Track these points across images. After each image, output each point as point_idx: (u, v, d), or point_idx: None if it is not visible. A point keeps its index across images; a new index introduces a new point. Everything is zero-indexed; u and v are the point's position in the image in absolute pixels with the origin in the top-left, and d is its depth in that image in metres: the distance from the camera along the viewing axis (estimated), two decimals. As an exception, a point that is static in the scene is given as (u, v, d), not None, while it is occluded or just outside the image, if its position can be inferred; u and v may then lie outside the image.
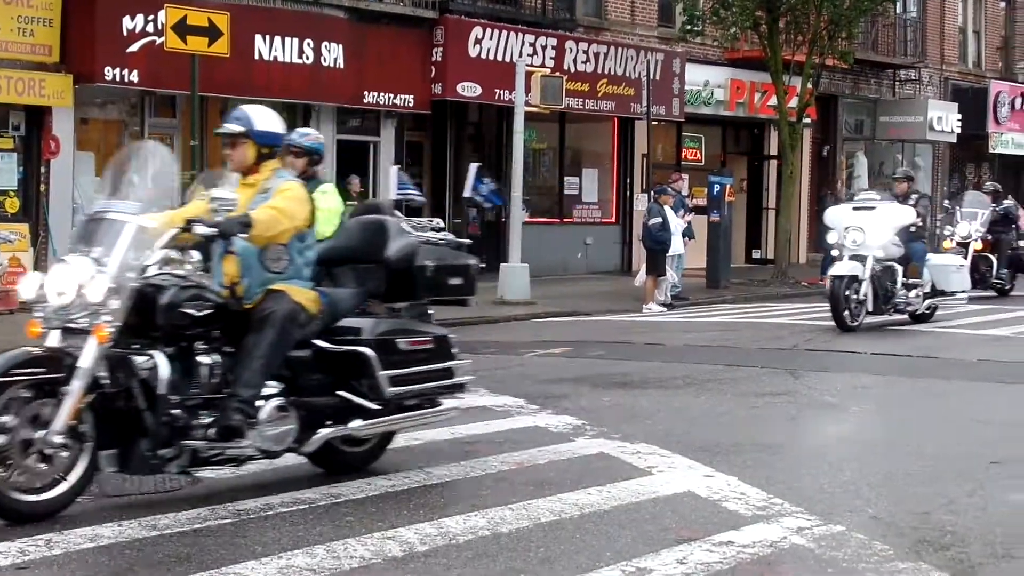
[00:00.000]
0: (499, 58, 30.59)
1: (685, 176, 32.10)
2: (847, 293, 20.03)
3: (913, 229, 21.51)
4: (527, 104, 27.41)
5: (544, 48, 31.85)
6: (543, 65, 30.42)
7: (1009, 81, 50.37)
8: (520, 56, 29.85)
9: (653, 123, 32.71)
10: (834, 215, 21.92)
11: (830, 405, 13.38)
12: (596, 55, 33.40)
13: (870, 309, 20.43)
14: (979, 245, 27.41)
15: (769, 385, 14.61)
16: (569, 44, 32.74)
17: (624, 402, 13.55)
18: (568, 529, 8.09)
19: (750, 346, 18.94)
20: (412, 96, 29.62)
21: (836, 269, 20.24)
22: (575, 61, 32.76)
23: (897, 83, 45.89)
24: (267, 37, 26.77)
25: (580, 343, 19.56)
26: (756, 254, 40.06)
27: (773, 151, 39.85)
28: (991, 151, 49.55)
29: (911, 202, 22.26)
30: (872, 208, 21.18)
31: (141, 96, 25.84)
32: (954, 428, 12.06)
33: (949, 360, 17.08)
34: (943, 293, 22.55)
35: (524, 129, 27.72)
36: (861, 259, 20.28)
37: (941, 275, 22.56)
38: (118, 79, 24.48)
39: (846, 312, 20.06)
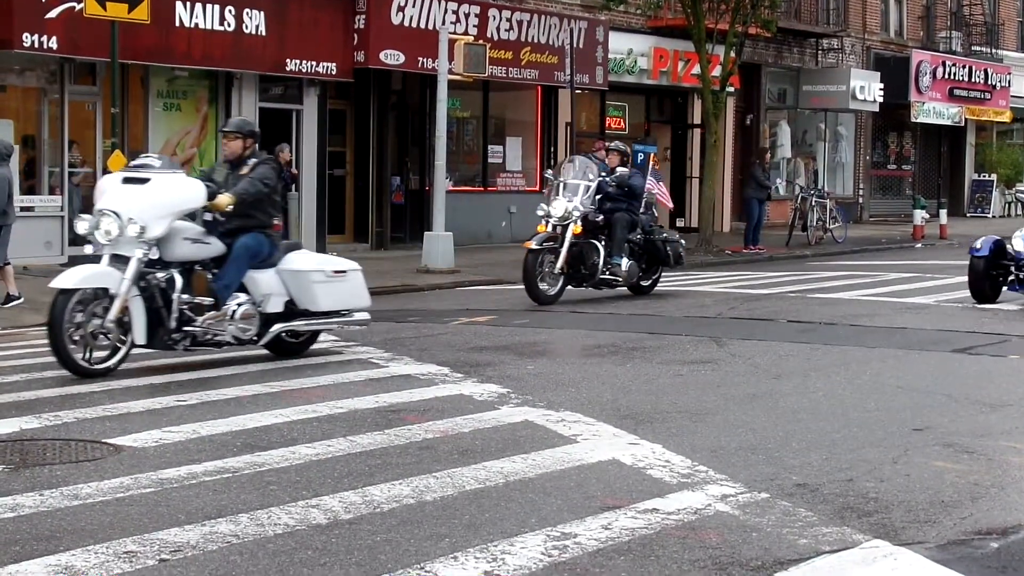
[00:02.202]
0: (422, 26, 30.48)
1: (609, 144, 32.14)
2: None
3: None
4: (450, 72, 27.32)
5: (467, 16, 31.75)
6: (466, 33, 30.33)
7: (930, 51, 50.78)
8: (443, 24, 29.77)
9: (577, 92, 32.69)
10: (100, 186, 14.16)
11: (754, 373, 13.42)
12: (519, 23, 33.34)
13: None
14: (579, 227, 20.19)
15: (694, 353, 14.65)
16: (492, 12, 32.66)
17: (549, 370, 13.55)
18: (493, 497, 8.07)
19: (675, 314, 19.01)
20: (334, 64, 29.45)
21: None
22: (498, 29, 32.69)
23: (820, 52, 46.13)
24: (188, 3, 26.51)
25: (505, 312, 19.56)
26: (680, 223, 40.17)
27: (697, 120, 39.97)
28: (913, 120, 49.97)
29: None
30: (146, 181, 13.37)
31: (60, 63, 25.53)
32: (877, 395, 12.12)
33: (872, 328, 17.19)
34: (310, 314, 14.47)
35: (448, 97, 27.64)
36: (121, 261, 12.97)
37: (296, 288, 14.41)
38: (36, 46, 24.17)
39: None
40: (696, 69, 34.99)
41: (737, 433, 10.16)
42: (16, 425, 10.34)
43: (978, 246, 20.11)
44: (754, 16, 34.54)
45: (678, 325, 17.60)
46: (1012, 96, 54.14)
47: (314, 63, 28.99)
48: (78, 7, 22.79)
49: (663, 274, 22.51)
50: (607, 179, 20.90)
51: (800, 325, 17.51)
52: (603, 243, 20.52)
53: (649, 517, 7.56)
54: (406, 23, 30.39)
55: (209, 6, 26.91)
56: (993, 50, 54.72)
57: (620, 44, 36.88)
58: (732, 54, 34.04)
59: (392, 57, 30.15)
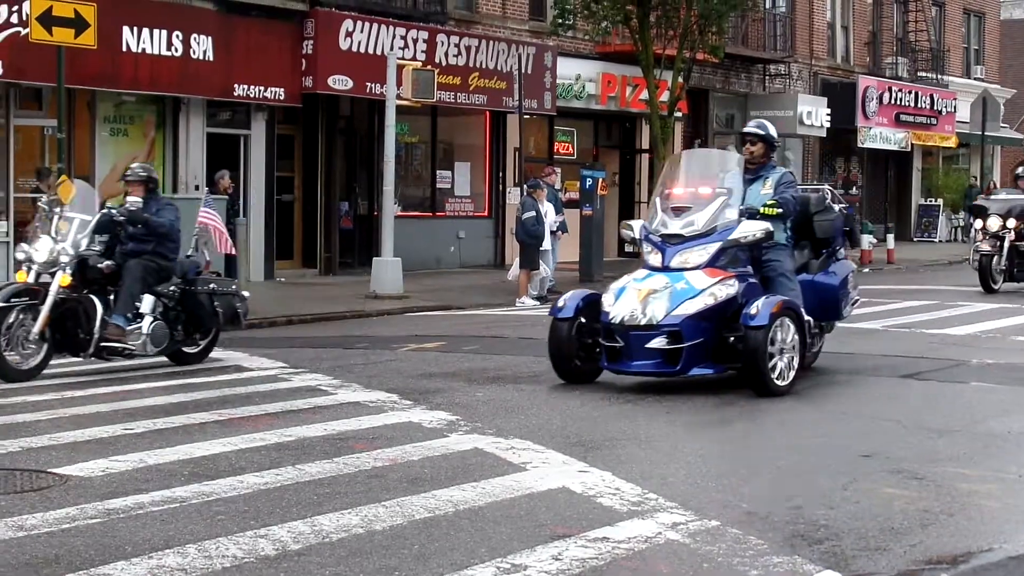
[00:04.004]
0: (370, 51, 30.49)
1: (558, 170, 32.22)
2: None
3: None
4: (399, 98, 27.30)
5: (415, 41, 31.79)
6: (415, 58, 30.35)
7: (877, 76, 51.16)
8: (391, 49, 29.79)
9: (525, 117, 32.75)
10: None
11: (704, 398, 13.42)
12: (468, 48, 33.40)
13: None
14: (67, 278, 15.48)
15: (642, 380, 14.64)
16: (440, 37, 32.71)
17: (498, 397, 13.52)
18: (443, 526, 8.03)
19: (623, 340, 18.96)
20: (283, 89, 29.41)
21: None
22: (447, 54, 32.75)
23: (767, 77, 46.42)
24: (135, 28, 26.43)
25: (454, 337, 19.52)
26: (628, 248, 40.20)
27: (645, 145, 40.08)
28: (860, 145, 50.28)
29: None
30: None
31: (6, 88, 25.40)
32: (825, 421, 12.15)
33: (823, 354, 17.20)
34: None
35: (396, 123, 27.64)
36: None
37: None
38: (-18, 70, 24.03)
39: None
40: (644, 94, 35.12)
41: (686, 460, 10.15)
42: (-40, 455, 10.24)
43: (561, 304, 14.45)
44: (701, 42, 34.71)
45: (627, 351, 17.56)
46: (958, 121, 54.49)
47: (262, 88, 28.93)
48: (24, 32, 22.66)
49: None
50: (114, 210, 16.11)
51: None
52: (114, 298, 15.77)
53: (599, 546, 7.53)
54: (354, 48, 30.38)
55: (156, 31, 26.82)
56: (939, 76, 55.15)
57: (568, 70, 36.98)
58: (680, 80, 34.20)
59: (340, 82, 30.13)
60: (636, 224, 14.98)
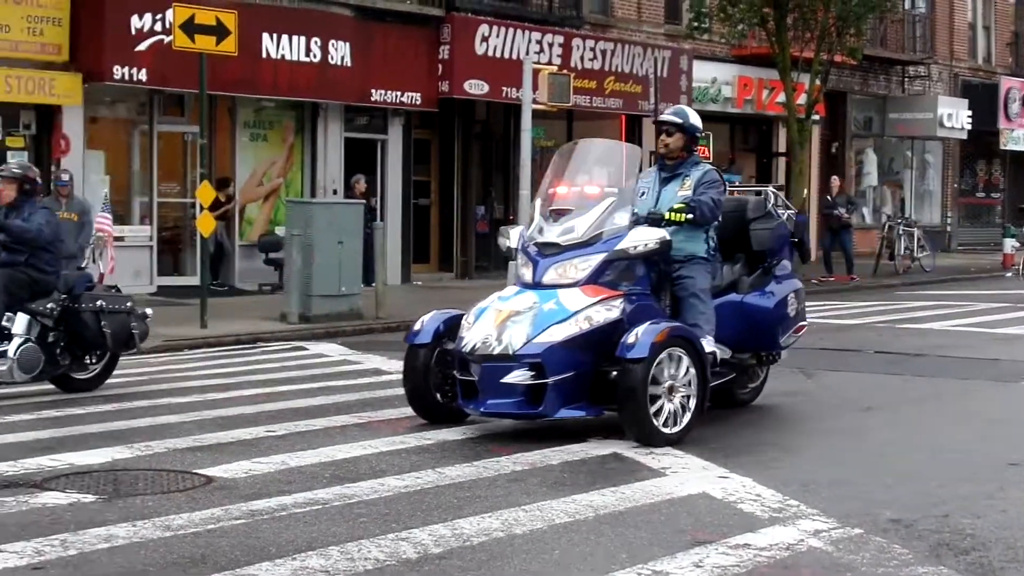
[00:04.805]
0: (506, 55, 30.56)
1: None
2: None
3: None
4: (534, 102, 27.31)
5: (551, 45, 31.81)
6: (550, 63, 30.36)
7: (1019, 77, 50.25)
8: (527, 54, 29.80)
9: (661, 120, 32.58)
10: None
11: (844, 405, 13.29)
12: (603, 52, 33.36)
13: None
14: None
15: (783, 384, 14.50)
16: (576, 41, 32.70)
17: (636, 401, 13.45)
18: (582, 531, 8.02)
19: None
20: (419, 94, 29.57)
21: None
22: (582, 58, 32.73)
23: (906, 79, 45.81)
24: (274, 35, 26.74)
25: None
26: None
27: (782, 148, 39.79)
28: (1002, 147, 49.43)
29: None
30: None
31: (150, 95, 25.86)
32: (971, 428, 11.98)
33: (962, 359, 16.98)
34: None
35: (531, 126, 27.63)
36: None
37: None
38: (127, 78, 24.50)
39: None
40: (781, 97, 34.85)
41: (828, 467, 10.06)
42: (108, 455, 10.42)
43: (418, 327, 12.09)
44: (839, 44, 34.36)
45: (765, 356, 17.44)
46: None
47: (399, 93, 29.13)
48: (167, 40, 23.01)
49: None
50: None
51: (889, 356, 17.33)
52: None
53: (741, 553, 7.48)
54: (490, 53, 30.49)
55: (295, 38, 27.12)
56: (1084, 77, 54.13)
57: (704, 73, 36.81)
58: (817, 82, 33.89)
59: (476, 87, 30.24)
60: (515, 231, 12.15)
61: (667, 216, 11.72)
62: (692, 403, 10.99)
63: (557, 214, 11.71)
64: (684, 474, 9.68)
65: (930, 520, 8.28)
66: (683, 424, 10.89)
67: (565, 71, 29.53)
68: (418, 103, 29.72)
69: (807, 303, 13.80)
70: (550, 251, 11.45)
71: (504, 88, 30.29)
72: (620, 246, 11.28)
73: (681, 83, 35.42)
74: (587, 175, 12.16)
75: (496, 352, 10.97)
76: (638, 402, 10.63)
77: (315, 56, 27.58)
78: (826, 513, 8.39)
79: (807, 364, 16.15)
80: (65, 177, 20.37)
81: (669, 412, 10.81)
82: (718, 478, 9.50)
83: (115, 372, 14.87)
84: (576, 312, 10.97)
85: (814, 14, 33.18)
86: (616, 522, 8.24)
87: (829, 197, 34.24)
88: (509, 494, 9.02)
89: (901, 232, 36.45)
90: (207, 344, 19.64)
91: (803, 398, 13.68)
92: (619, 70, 33.76)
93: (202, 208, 21.03)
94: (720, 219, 12.15)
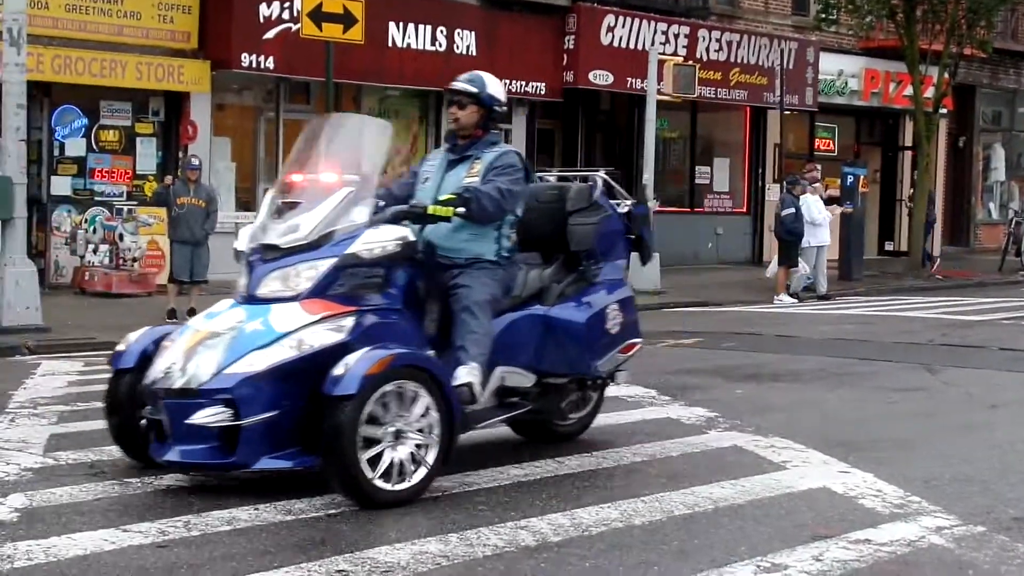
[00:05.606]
0: (631, 46, 30.53)
1: (819, 166, 31.81)
2: None
3: None
4: (659, 93, 27.29)
5: (676, 36, 31.74)
6: (675, 53, 30.33)
7: None
8: (652, 44, 29.75)
9: (786, 113, 32.45)
10: None
11: (968, 402, 13.14)
12: (729, 44, 33.23)
13: None
14: None
15: (905, 380, 14.39)
16: (702, 32, 32.60)
17: (757, 394, 13.44)
18: (702, 523, 8.01)
19: (885, 339, 18.70)
20: (544, 84, 29.63)
21: None
22: (707, 50, 32.63)
23: (1037, 73, 45.12)
24: (400, 24, 26.92)
25: (711, 334, 19.44)
26: (889, 246, 39.61)
27: (908, 142, 39.38)
28: None
29: None
30: None
31: (276, 82, 26.13)
32: (1096, 427, 11.81)
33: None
34: None
35: (656, 117, 27.60)
36: None
37: None
38: (254, 65, 24.78)
39: None
40: (908, 90, 34.49)
41: (951, 464, 9.95)
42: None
43: (123, 347, 9.43)
44: (969, 37, 33.92)
45: (888, 351, 17.30)
46: None
47: (523, 83, 29.19)
48: (295, 28, 23.25)
49: None
50: None
51: (1015, 353, 17.10)
52: None
53: (861, 548, 7.43)
54: (615, 44, 30.47)
55: (421, 27, 27.29)
56: None
57: (830, 65, 36.54)
58: (946, 75, 33.48)
59: (601, 77, 30.24)
60: (245, 230, 9.44)
61: (430, 210, 9.22)
62: (431, 454, 8.52)
63: (286, 208, 9.32)
64: (805, 468, 9.62)
65: (1055, 520, 8.19)
66: (415, 480, 8.43)
67: (690, 62, 29.50)
68: (543, 93, 29.77)
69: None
70: (271, 255, 8.97)
71: (629, 79, 30.28)
72: (350, 249, 8.82)
73: (807, 75, 35.17)
74: (333, 159, 9.59)
75: (177, 386, 8.48)
76: (344, 450, 8.09)
77: (440, 45, 27.73)
78: (948, 510, 8.31)
79: (931, 361, 16.00)
80: (196, 161, 20.62)
81: (393, 463, 8.32)
82: (839, 473, 9.43)
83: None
84: (285, 334, 8.49)
85: (944, 6, 32.77)
86: (735, 515, 8.21)
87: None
88: (628, 485, 9.03)
89: (1029, 228, 35.97)
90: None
91: (926, 394, 13.54)
92: (744, 62, 33.60)
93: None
94: (519, 213, 9.66)
